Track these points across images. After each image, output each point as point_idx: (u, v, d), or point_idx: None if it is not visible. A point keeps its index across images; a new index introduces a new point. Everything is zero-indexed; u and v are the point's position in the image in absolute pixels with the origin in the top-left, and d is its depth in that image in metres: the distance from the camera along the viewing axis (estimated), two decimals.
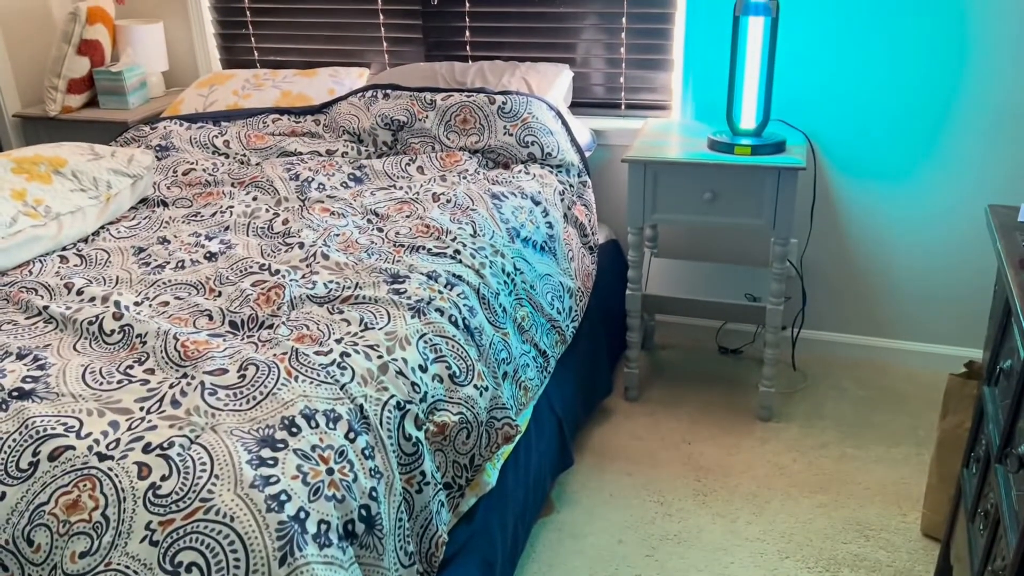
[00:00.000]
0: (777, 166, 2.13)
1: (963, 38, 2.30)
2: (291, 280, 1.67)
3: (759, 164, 2.14)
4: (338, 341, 1.46)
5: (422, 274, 1.70)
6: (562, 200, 2.28)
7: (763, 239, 2.70)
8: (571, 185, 2.36)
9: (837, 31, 2.39)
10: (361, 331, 1.50)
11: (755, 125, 2.25)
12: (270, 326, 1.55)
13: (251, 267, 1.75)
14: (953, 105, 2.37)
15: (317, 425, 1.27)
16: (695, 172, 2.22)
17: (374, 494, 1.28)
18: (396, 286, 1.65)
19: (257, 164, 2.39)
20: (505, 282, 1.83)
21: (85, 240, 1.97)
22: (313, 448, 1.23)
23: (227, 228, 1.99)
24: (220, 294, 1.66)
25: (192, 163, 2.37)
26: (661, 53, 2.63)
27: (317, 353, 1.41)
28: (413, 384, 1.44)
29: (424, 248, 1.82)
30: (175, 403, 1.28)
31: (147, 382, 1.35)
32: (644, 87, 2.69)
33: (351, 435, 1.29)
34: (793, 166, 2.12)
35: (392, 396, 1.39)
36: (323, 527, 1.16)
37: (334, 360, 1.40)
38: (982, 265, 2.51)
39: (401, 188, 2.20)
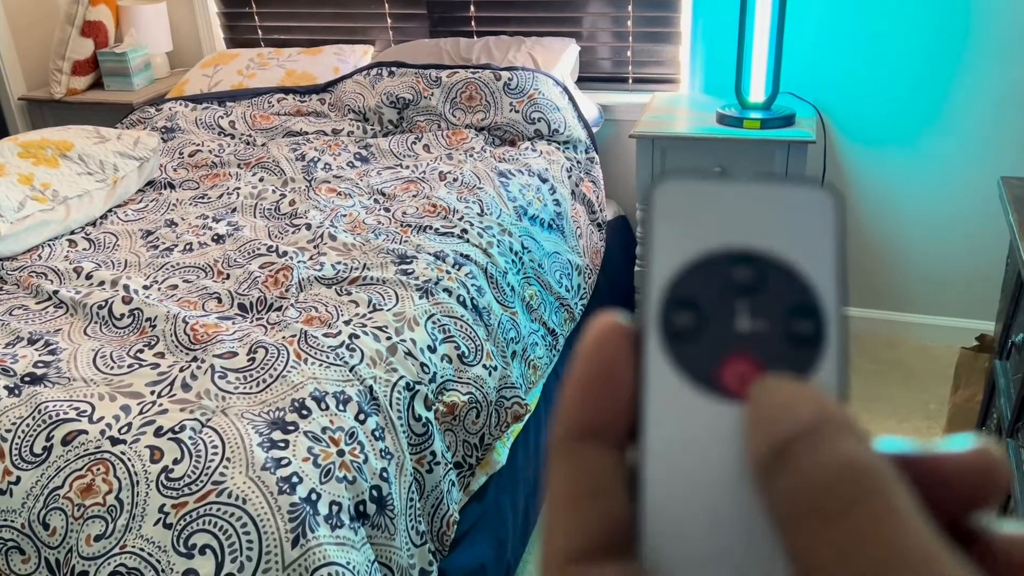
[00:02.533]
0: (787, 139, 2.11)
1: (972, 7, 2.26)
2: (299, 262, 1.67)
3: (769, 138, 2.12)
4: (347, 323, 1.46)
5: (429, 254, 1.69)
6: (569, 177, 2.27)
7: None
8: (578, 161, 2.35)
9: (846, 2, 2.35)
10: (369, 312, 1.50)
11: (764, 98, 2.23)
12: (279, 308, 1.55)
13: (259, 249, 1.75)
14: (964, 76, 2.33)
15: (327, 407, 1.27)
16: (704, 147, 2.20)
17: (385, 475, 1.28)
18: (404, 266, 1.64)
19: (263, 144, 2.38)
20: (513, 261, 1.83)
21: (93, 224, 1.97)
22: (323, 430, 1.24)
23: (234, 210, 1.98)
24: (228, 276, 1.66)
25: (198, 144, 2.36)
26: (669, 26, 2.60)
27: (326, 335, 1.41)
28: (422, 365, 1.44)
29: (431, 228, 1.82)
30: (185, 387, 1.29)
31: (157, 366, 1.36)
32: (652, 61, 2.66)
33: (361, 416, 1.30)
34: (803, 139, 2.10)
35: (401, 377, 1.39)
36: (335, 508, 1.17)
37: (343, 342, 1.40)
38: (994, 237, 2.49)
39: (407, 167, 2.18)
